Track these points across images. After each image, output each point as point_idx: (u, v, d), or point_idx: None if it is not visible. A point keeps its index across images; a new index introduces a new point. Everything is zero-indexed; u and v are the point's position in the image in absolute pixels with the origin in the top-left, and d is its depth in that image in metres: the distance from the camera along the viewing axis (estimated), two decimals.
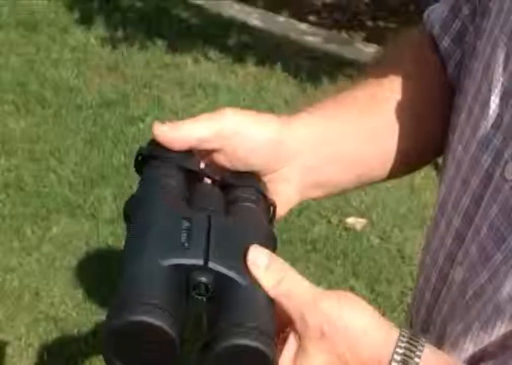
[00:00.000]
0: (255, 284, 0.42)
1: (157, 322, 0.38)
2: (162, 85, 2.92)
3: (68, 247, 2.08)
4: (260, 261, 0.43)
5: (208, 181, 0.50)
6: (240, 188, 0.49)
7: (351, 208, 2.31)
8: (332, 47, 3.26)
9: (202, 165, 0.50)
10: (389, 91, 0.58)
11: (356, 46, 3.32)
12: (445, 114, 0.59)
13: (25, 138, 2.53)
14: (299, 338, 0.43)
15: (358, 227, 2.23)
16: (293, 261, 2.07)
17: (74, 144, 2.51)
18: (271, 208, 0.51)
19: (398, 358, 0.42)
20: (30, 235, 2.11)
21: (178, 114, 2.68)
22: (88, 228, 2.15)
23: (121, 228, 2.13)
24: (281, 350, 0.43)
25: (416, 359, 0.42)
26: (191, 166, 0.48)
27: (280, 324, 0.44)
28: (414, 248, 2.10)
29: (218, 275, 0.42)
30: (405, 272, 2.06)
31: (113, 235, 2.11)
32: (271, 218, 0.51)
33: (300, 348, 0.43)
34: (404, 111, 0.58)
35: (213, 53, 3.16)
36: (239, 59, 3.12)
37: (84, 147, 2.49)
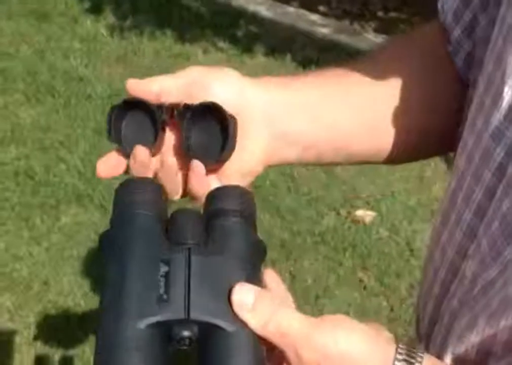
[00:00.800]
0: (243, 327, 0.40)
1: None
2: None
3: (77, 237, 2.08)
4: (246, 302, 0.40)
5: (187, 210, 0.45)
6: (220, 217, 0.44)
7: (360, 200, 2.30)
8: (343, 38, 3.24)
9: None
10: (391, 71, 0.58)
11: (366, 37, 3.29)
12: (450, 108, 0.58)
13: (35, 127, 2.54)
14: None
15: (367, 219, 2.23)
16: (301, 253, 2.07)
17: (83, 133, 2.51)
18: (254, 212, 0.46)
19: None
20: (39, 225, 2.12)
21: None
22: (97, 218, 2.16)
23: None
24: None
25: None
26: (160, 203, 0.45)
27: (275, 361, 0.42)
28: (424, 241, 2.10)
29: (202, 325, 0.39)
30: (414, 265, 2.05)
31: None
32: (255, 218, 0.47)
33: None
34: (408, 87, 0.58)
35: (222, 44, 3.15)
36: (248, 49, 3.11)
37: (93, 137, 2.49)
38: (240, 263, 0.42)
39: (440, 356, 0.52)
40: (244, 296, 0.41)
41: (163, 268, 0.39)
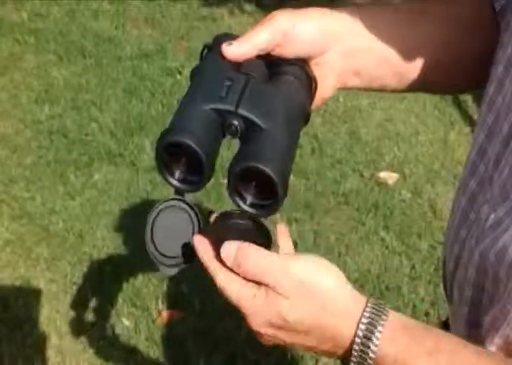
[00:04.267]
0: (278, 127, 0.53)
1: (187, 141, 0.51)
2: (199, 38, 2.95)
3: (110, 193, 2.16)
4: (228, 251, 0.50)
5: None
6: (284, 64, 0.59)
7: (384, 163, 2.34)
8: (368, 0, 3.22)
9: None
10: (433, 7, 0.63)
11: (392, 2, 3.27)
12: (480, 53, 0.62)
13: (68, 87, 2.60)
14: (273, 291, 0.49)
15: (390, 181, 2.27)
16: (325, 213, 2.13)
17: (114, 93, 2.56)
18: (313, 84, 0.59)
19: (367, 314, 0.48)
20: (74, 181, 2.20)
21: None
22: (128, 176, 2.22)
23: (159, 176, 2.20)
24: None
25: (384, 317, 0.48)
26: None
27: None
28: (446, 204, 2.13)
29: (246, 119, 0.53)
30: (436, 227, 2.09)
31: (152, 183, 2.19)
32: (312, 93, 0.59)
33: (278, 295, 0.49)
34: (449, 22, 0.62)
35: (248, 7, 3.16)
36: None
37: (124, 97, 2.55)
38: (287, 99, 0.55)
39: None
40: (227, 248, 0.50)
41: (228, 82, 0.55)
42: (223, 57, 0.57)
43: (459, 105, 2.62)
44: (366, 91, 0.68)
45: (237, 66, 0.57)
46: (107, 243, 1.99)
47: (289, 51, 0.58)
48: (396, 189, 2.23)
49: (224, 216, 0.54)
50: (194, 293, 1.82)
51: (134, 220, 2.05)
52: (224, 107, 0.53)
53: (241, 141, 0.54)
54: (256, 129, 0.53)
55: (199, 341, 1.71)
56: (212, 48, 0.59)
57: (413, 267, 1.96)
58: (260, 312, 0.49)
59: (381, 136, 2.46)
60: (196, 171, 0.52)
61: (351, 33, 0.61)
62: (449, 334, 0.51)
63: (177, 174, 0.53)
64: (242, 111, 0.53)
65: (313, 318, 0.48)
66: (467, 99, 2.63)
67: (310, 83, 0.59)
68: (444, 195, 2.19)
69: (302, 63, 0.59)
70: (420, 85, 0.64)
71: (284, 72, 0.58)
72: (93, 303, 1.82)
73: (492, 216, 0.50)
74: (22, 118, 2.44)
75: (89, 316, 1.78)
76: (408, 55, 0.61)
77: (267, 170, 0.49)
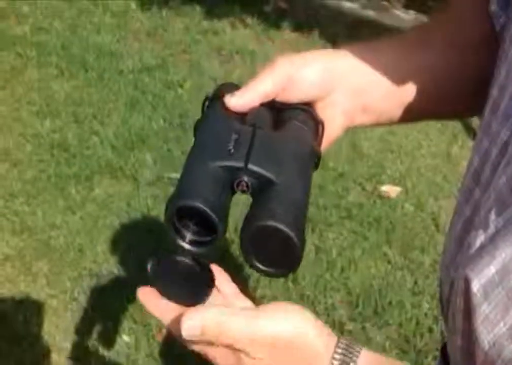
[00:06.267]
0: (290, 180, 0.51)
1: (198, 205, 0.48)
2: (201, 51, 2.95)
3: (110, 207, 2.15)
4: (194, 331, 0.48)
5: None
6: (290, 110, 0.57)
7: (386, 176, 2.33)
8: (371, 14, 3.23)
9: None
10: (434, 37, 0.63)
11: (395, 13, 3.28)
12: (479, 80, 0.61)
13: (69, 100, 2.60)
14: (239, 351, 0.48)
15: (393, 195, 2.25)
16: (327, 227, 2.11)
17: (116, 107, 2.56)
18: (320, 128, 0.58)
19: (336, 361, 0.47)
20: (74, 195, 2.19)
21: (216, 81, 2.71)
22: (129, 190, 2.22)
23: (160, 190, 2.20)
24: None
25: (354, 358, 0.47)
26: None
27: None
28: (449, 217, 2.11)
29: (257, 175, 0.51)
30: (439, 241, 2.07)
31: (152, 196, 2.18)
32: (319, 137, 0.58)
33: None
34: (449, 50, 0.61)
35: (250, 20, 3.16)
36: (276, 25, 3.12)
37: (125, 111, 2.55)
38: (297, 146, 0.54)
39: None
40: (191, 326, 0.48)
41: (235, 136, 0.53)
42: (226, 108, 0.55)
43: (462, 119, 2.61)
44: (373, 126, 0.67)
45: (242, 116, 0.55)
46: (107, 257, 1.98)
47: (295, 95, 0.57)
48: (399, 202, 2.22)
49: (164, 256, 0.52)
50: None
51: (134, 234, 2.04)
52: (233, 164, 0.51)
53: (252, 197, 0.51)
54: (268, 183, 0.50)
55: (199, 358, 1.69)
56: (214, 99, 0.57)
57: (416, 282, 1.94)
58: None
59: (383, 149, 2.46)
60: (208, 232, 0.50)
61: (356, 70, 0.60)
62: None
63: (188, 236, 0.51)
64: (252, 166, 0.50)
65: None
66: None
67: (317, 127, 0.57)
68: (447, 208, 2.17)
69: (307, 107, 0.58)
70: (427, 113, 0.64)
71: (290, 118, 0.56)
72: (93, 319, 1.80)
73: (477, 242, 0.49)
74: (22, 132, 2.44)
75: (89, 332, 1.77)
76: (411, 84, 0.61)
77: (286, 229, 0.47)
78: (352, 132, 2.52)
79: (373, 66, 0.60)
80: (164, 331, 1.77)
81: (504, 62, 0.53)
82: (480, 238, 0.48)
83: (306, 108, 0.57)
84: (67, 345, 1.73)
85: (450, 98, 0.63)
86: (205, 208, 0.48)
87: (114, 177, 2.26)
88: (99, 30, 3.03)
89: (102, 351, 1.72)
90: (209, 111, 0.57)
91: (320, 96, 0.59)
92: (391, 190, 2.27)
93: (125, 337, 1.76)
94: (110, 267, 1.95)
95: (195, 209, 0.48)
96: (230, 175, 0.51)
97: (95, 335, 1.76)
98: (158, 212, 2.10)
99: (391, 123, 0.64)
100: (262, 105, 0.57)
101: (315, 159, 0.56)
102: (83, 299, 1.86)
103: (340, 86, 0.59)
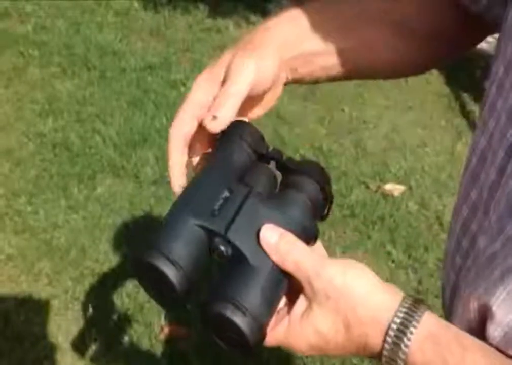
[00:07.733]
0: (266, 262, 0.47)
1: (164, 270, 0.45)
2: (204, 49, 2.94)
3: (113, 207, 2.14)
4: (270, 238, 0.47)
5: (273, 164, 0.54)
6: (299, 176, 0.52)
7: (390, 174, 2.31)
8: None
9: (270, 148, 0.55)
10: None
11: None
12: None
13: (72, 99, 2.59)
14: (308, 301, 0.47)
15: (396, 193, 2.24)
16: (330, 226, 2.10)
17: (118, 106, 2.56)
18: (328, 204, 0.53)
19: (397, 321, 0.46)
20: (76, 194, 2.18)
21: None
22: (131, 189, 2.21)
23: (162, 189, 2.19)
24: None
25: (415, 323, 0.45)
26: (260, 148, 0.54)
27: (294, 291, 0.48)
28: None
29: (234, 247, 0.47)
30: (443, 239, 2.06)
31: (155, 196, 2.17)
32: (325, 213, 0.53)
33: (308, 308, 0.47)
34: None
35: (254, 18, 3.15)
36: None
37: (128, 110, 2.54)
38: (290, 221, 0.49)
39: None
40: (269, 233, 0.47)
41: (225, 194, 0.48)
42: (230, 158, 0.51)
43: (466, 116, 2.59)
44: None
45: (243, 170, 0.51)
46: (109, 257, 1.97)
47: (259, 90, 0.57)
48: (403, 201, 2.21)
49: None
50: (197, 308, 1.79)
51: (136, 234, 2.03)
52: (213, 228, 0.47)
53: (227, 263, 0.48)
54: (243, 260, 0.46)
55: (202, 357, 1.68)
56: (224, 143, 0.53)
57: (419, 281, 1.93)
58: (299, 336, 0.48)
59: (387, 147, 2.44)
60: (169, 294, 0.47)
61: (300, 39, 0.61)
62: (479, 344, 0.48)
63: (151, 289, 0.49)
64: (231, 235, 0.47)
65: (345, 326, 0.47)
66: (475, 109, 2.60)
67: (325, 205, 0.52)
68: (451, 207, 2.14)
69: (320, 176, 0.52)
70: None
71: (296, 185, 0.51)
72: (94, 318, 1.80)
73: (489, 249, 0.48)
74: (25, 131, 2.44)
75: (91, 332, 1.76)
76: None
77: (242, 325, 0.44)
78: (355, 130, 2.51)
79: (305, 19, 0.62)
80: (166, 330, 1.77)
81: (503, 59, 0.51)
82: (491, 247, 0.47)
83: (320, 178, 0.52)
84: (69, 344, 1.73)
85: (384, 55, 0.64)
86: (172, 278, 0.46)
87: (116, 176, 2.25)
88: (102, 29, 3.02)
89: (104, 350, 1.71)
90: (216, 153, 0.53)
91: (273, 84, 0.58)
92: (394, 188, 2.25)
93: (127, 337, 1.75)
94: (112, 266, 1.94)
95: (163, 274, 0.46)
96: (209, 238, 0.47)
97: (96, 334, 1.75)
98: (161, 211, 2.09)
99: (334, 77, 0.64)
100: (272, 158, 0.53)
101: (309, 240, 0.50)
102: (84, 299, 1.85)
103: (272, 42, 0.60)
